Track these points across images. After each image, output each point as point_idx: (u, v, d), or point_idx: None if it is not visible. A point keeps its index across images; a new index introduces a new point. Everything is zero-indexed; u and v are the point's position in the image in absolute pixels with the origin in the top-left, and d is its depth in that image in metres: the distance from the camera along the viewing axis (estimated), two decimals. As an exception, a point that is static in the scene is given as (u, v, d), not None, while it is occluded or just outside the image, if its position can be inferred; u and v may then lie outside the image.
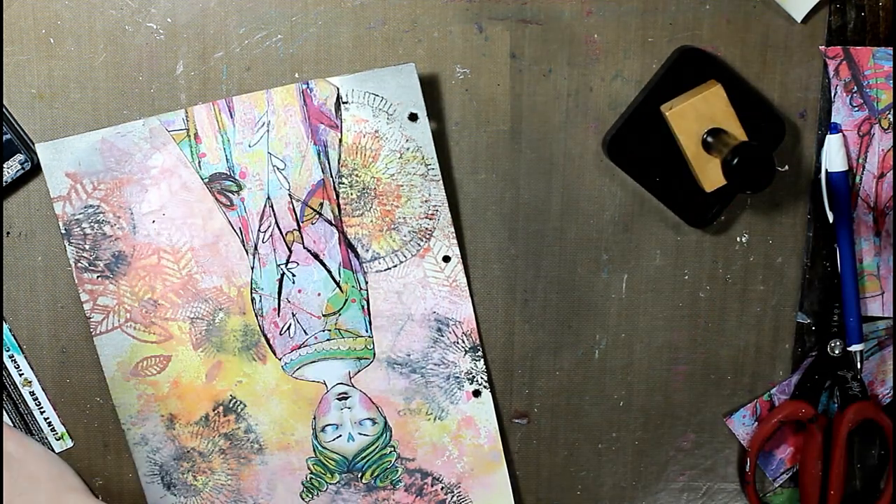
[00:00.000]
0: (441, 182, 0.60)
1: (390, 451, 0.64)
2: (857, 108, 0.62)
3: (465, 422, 0.64)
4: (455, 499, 0.65)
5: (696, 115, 0.58)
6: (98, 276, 0.60)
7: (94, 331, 0.61)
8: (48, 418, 0.63)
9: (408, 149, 0.60)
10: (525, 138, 0.61)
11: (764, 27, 0.61)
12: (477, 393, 0.64)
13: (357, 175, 0.60)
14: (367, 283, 0.62)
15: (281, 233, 0.61)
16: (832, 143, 0.62)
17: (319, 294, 0.62)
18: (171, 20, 0.59)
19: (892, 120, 0.62)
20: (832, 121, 0.62)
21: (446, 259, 0.62)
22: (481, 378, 0.63)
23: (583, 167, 0.62)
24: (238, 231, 0.61)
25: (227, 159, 0.60)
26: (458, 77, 0.60)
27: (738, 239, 0.64)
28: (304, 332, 0.62)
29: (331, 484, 0.65)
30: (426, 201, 0.61)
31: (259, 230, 0.61)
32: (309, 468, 0.64)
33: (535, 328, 0.64)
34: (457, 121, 0.61)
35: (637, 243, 0.63)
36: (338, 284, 0.62)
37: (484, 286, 0.63)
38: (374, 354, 0.63)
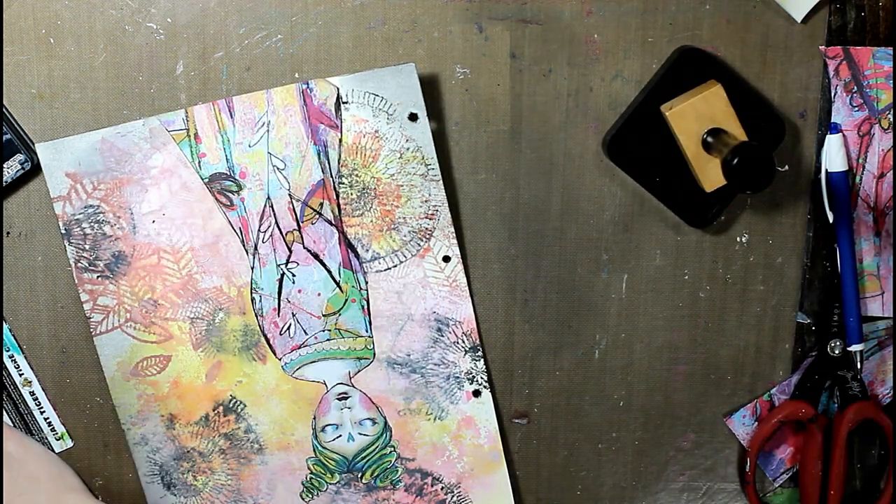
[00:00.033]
0: (441, 182, 0.60)
1: (390, 451, 0.64)
2: (857, 108, 0.62)
3: (465, 422, 0.64)
4: (455, 499, 0.65)
5: (696, 115, 0.58)
6: (98, 276, 0.60)
7: (94, 331, 0.61)
8: (48, 418, 0.63)
9: (408, 149, 0.60)
10: (525, 138, 0.61)
11: (764, 27, 0.61)
12: (477, 393, 0.64)
13: (357, 175, 0.60)
14: (367, 283, 0.62)
15: (281, 233, 0.61)
16: (832, 143, 0.62)
17: (319, 294, 0.62)
18: (171, 20, 0.59)
19: (892, 120, 0.62)
20: (832, 121, 0.62)
21: (446, 259, 0.62)
22: (481, 378, 0.63)
23: (583, 167, 0.62)
24: (238, 231, 0.61)
25: (227, 159, 0.60)
26: (458, 77, 0.60)
27: (738, 239, 0.64)
28: (304, 332, 0.62)
29: (331, 484, 0.65)
30: (426, 201, 0.61)
31: (259, 230, 0.61)
32: (309, 468, 0.64)
33: (535, 328, 0.64)
34: (457, 121, 0.61)
35: (637, 243, 0.63)
36: (338, 284, 0.62)
37: (484, 286, 0.63)
38: (374, 354, 0.63)
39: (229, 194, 0.60)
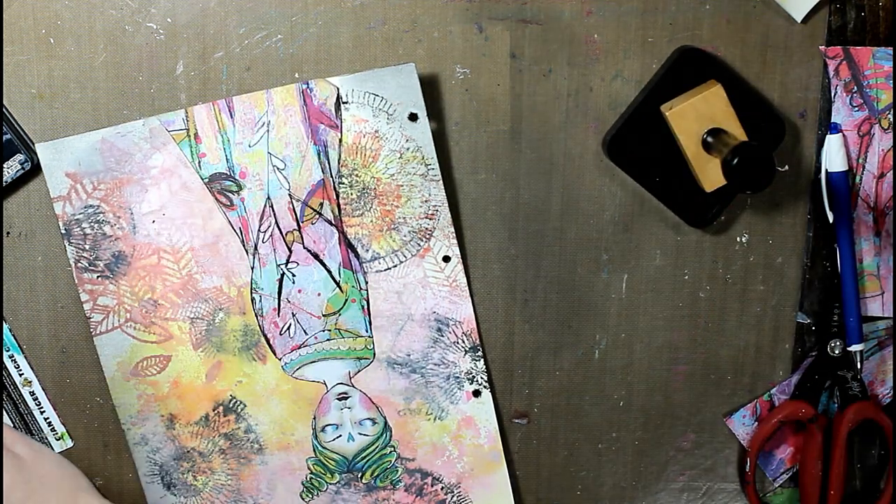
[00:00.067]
0: (441, 182, 0.60)
1: (390, 451, 0.64)
2: (857, 108, 0.62)
3: (465, 422, 0.64)
4: (455, 499, 0.65)
5: (696, 115, 0.58)
6: (98, 276, 0.60)
7: (94, 331, 0.61)
8: (48, 418, 0.63)
9: (408, 149, 0.60)
10: (525, 138, 0.61)
11: (764, 27, 0.61)
12: (477, 393, 0.64)
13: (357, 175, 0.60)
14: (367, 283, 0.62)
15: (281, 233, 0.61)
16: (832, 143, 0.62)
17: (319, 294, 0.62)
18: (171, 20, 0.59)
19: (892, 120, 0.62)
20: (832, 121, 0.62)
21: (446, 259, 0.62)
22: (481, 378, 0.63)
23: (583, 167, 0.62)
24: (238, 231, 0.61)
25: (227, 159, 0.60)
26: (458, 77, 0.60)
27: (738, 239, 0.64)
28: (304, 332, 0.62)
29: (331, 484, 0.65)
30: (426, 201, 0.61)
31: (259, 230, 0.61)
32: (309, 468, 0.64)
33: (535, 328, 0.64)
34: (457, 121, 0.61)
35: (637, 243, 0.63)
36: (338, 284, 0.62)
37: (484, 286, 0.63)
38: (374, 354, 0.63)
39: (229, 194, 0.60)
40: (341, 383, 0.63)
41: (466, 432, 0.64)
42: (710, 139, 0.58)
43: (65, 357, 0.62)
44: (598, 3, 0.60)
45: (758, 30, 0.61)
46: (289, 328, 0.62)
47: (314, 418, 0.63)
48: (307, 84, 0.59)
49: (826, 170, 0.62)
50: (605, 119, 0.61)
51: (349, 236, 0.61)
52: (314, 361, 0.62)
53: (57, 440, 0.63)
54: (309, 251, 0.61)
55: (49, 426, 0.63)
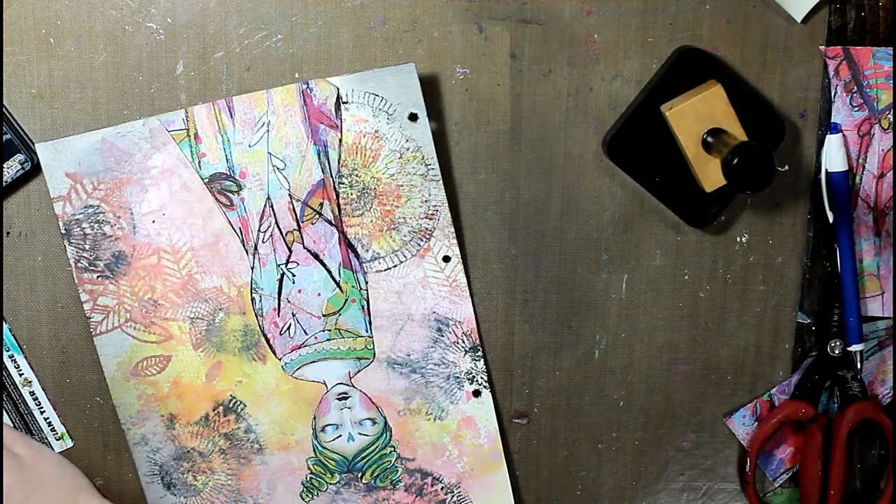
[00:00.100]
0: (441, 182, 0.60)
1: (390, 451, 0.64)
2: (857, 108, 0.62)
3: (465, 422, 0.64)
4: (455, 499, 0.65)
5: (696, 115, 0.58)
6: (98, 276, 0.60)
7: (94, 331, 0.61)
8: (48, 418, 0.63)
9: (408, 149, 0.60)
10: (525, 138, 0.61)
11: (764, 27, 0.61)
12: (477, 393, 0.64)
13: (357, 175, 0.60)
14: (367, 283, 0.62)
15: (281, 233, 0.61)
16: (832, 143, 0.62)
17: (319, 294, 0.62)
18: (171, 20, 0.59)
19: (892, 120, 0.62)
20: (832, 121, 0.62)
21: (446, 259, 0.62)
22: (481, 378, 0.63)
23: (583, 167, 0.62)
24: (238, 231, 0.61)
25: (227, 159, 0.60)
26: (458, 77, 0.60)
27: (738, 239, 0.64)
28: (304, 332, 0.62)
29: (331, 484, 0.65)
30: (426, 201, 0.61)
31: (259, 230, 0.61)
32: (309, 468, 0.64)
33: (535, 328, 0.64)
34: (457, 121, 0.61)
35: (637, 243, 0.63)
36: (338, 284, 0.62)
37: (484, 286, 0.63)
38: (374, 354, 0.63)
39: (229, 194, 0.60)
40: (341, 383, 0.63)
41: (466, 432, 0.64)
42: (710, 139, 0.58)
43: (65, 357, 0.62)
44: (598, 3, 0.60)
45: (758, 30, 0.61)
46: (289, 328, 0.62)
47: (314, 418, 0.63)
48: (307, 84, 0.59)
49: (826, 170, 0.62)
50: (605, 119, 0.61)
51: (349, 236, 0.61)
52: (314, 361, 0.62)
53: (57, 440, 0.63)
54: (309, 251, 0.61)
55: (49, 426, 0.63)
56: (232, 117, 0.59)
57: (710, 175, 0.59)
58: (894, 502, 0.66)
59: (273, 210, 0.60)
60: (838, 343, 0.64)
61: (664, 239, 0.63)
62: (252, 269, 0.61)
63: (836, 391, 0.65)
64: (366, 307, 0.62)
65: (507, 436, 0.65)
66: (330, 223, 0.61)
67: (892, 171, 0.63)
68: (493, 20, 0.60)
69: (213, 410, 0.63)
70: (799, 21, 0.60)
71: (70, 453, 0.63)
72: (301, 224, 0.61)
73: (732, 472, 0.67)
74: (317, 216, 0.61)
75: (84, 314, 0.61)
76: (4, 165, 0.59)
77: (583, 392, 0.65)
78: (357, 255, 0.61)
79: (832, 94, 0.62)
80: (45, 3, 0.58)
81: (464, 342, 0.63)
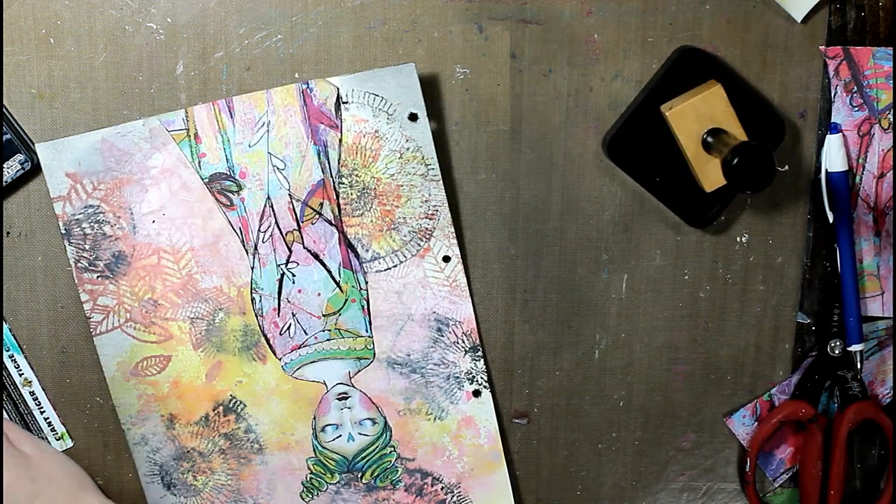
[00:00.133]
0: (441, 182, 0.60)
1: (390, 451, 0.64)
2: (857, 108, 0.62)
3: (465, 422, 0.64)
4: (455, 499, 0.65)
5: (696, 115, 0.58)
6: (98, 276, 0.60)
7: (94, 331, 0.61)
8: (48, 418, 0.63)
9: (408, 149, 0.60)
10: (525, 138, 0.61)
11: (764, 27, 0.61)
12: (477, 393, 0.64)
13: (357, 175, 0.60)
14: (367, 283, 0.62)
15: (281, 233, 0.61)
16: (832, 143, 0.62)
17: (319, 294, 0.62)
18: (171, 20, 0.59)
19: (892, 120, 0.62)
20: (832, 121, 0.62)
21: (446, 259, 0.62)
22: (481, 378, 0.63)
23: (583, 167, 0.62)
24: (238, 231, 0.61)
25: (227, 159, 0.60)
26: (458, 77, 0.60)
27: (738, 239, 0.64)
28: (304, 332, 0.62)
29: (331, 484, 0.65)
30: (426, 201, 0.61)
31: (259, 230, 0.61)
32: (309, 468, 0.64)
33: (535, 328, 0.64)
34: (457, 121, 0.61)
35: (637, 243, 0.63)
36: (338, 284, 0.62)
37: (484, 286, 0.63)
38: (374, 354, 0.63)
39: (229, 194, 0.60)
40: (341, 383, 0.63)
41: (466, 432, 0.64)
42: (710, 139, 0.58)
43: (65, 357, 0.62)
44: (598, 3, 0.60)
45: (758, 30, 0.61)
46: (289, 328, 0.62)
47: (314, 418, 0.63)
48: (307, 84, 0.59)
49: (826, 170, 0.62)
50: (605, 119, 0.61)
51: (349, 236, 0.61)
52: (314, 361, 0.62)
53: (57, 440, 0.63)
54: (309, 251, 0.61)
55: (49, 426, 0.63)
56: (232, 117, 0.59)
57: (710, 175, 0.59)
58: (894, 502, 0.66)
59: (273, 210, 0.60)
60: (838, 343, 0.64)
61: (664, 239, 0.63)
62: (252, 269, 0.61)
63: (836, 391, 0.65)
64: (366, 307, 0.62)
65: (507, 436, 0.65)
66: (330, 223, 0.61)
67: (892, 171, 0.63)
68: (493, 20, 0.60)
69: (213, 410, 0.63)
70: (799, 21, 0.60)
71: (70, 453, 0.63)
72: (301, 224, 0.61)
73: (732, 472, 0.67)
74: (317, 216, 0.61)
75: (84, 314, 0.61)
76: (4, 165, 0.59)
77: (583, 392, 0.65)
78: (357, 255, 0.61)
79: (832, 94, 0.62)
80: (45, 3, 0.58)
81: (464, 342, 0.63)
